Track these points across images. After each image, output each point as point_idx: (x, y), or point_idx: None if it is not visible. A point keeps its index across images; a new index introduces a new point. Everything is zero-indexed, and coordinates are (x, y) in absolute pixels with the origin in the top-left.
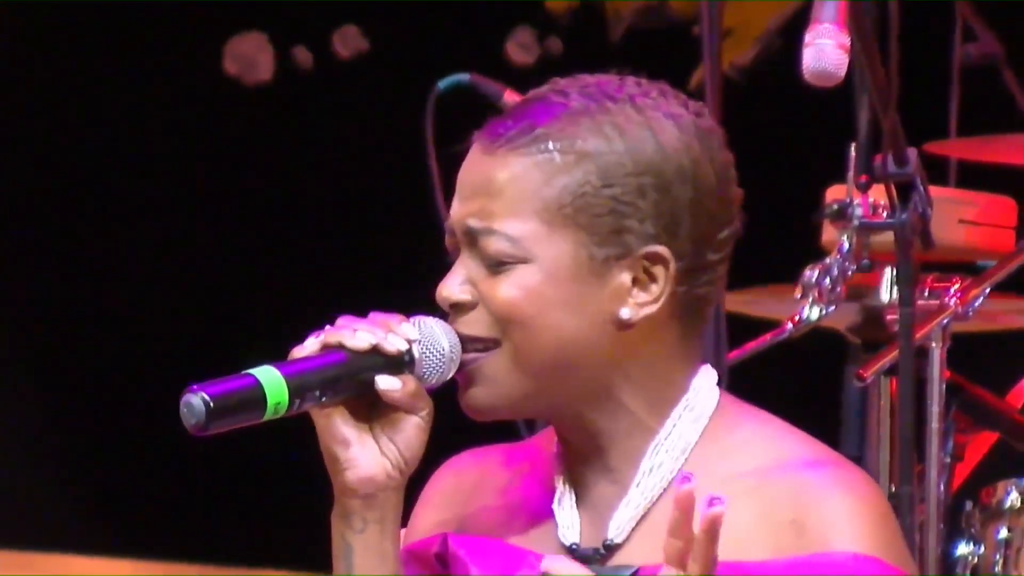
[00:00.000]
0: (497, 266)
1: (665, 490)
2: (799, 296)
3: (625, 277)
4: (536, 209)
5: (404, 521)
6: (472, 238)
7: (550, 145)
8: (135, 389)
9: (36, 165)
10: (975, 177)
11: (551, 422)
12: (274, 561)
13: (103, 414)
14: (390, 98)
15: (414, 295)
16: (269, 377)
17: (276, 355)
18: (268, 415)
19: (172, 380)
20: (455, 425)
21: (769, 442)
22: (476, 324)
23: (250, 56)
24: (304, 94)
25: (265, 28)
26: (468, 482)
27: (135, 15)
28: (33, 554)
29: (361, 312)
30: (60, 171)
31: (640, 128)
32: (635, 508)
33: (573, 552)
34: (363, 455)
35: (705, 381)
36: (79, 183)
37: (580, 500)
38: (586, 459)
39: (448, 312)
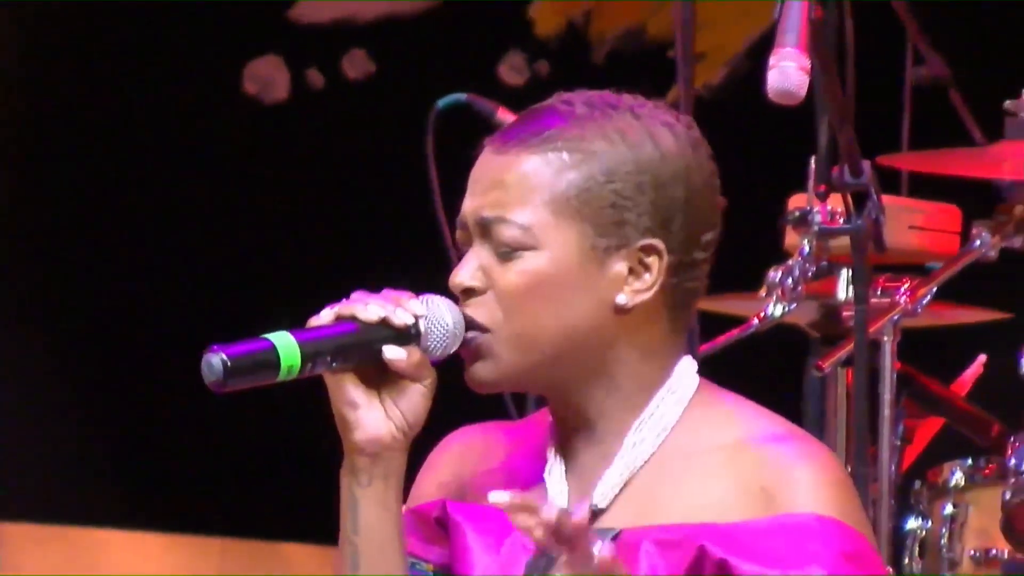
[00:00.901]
0: (508, 253)
1: (646, 462)
2: (764, 295)
3: (623, 266)
4: (545, 201)
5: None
6: (485, 228)
7: (559, 144)
8: (162, 370)
9: (89, 163)
10: (924, 187)
11: (546, 396)
12: (297, 535)
13: (130, 392)
14: (394, 115)
15: (415, 281)
16: (284, 342)
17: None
18: (282, 376)
19: (198, 360)
20: (456, 399)
21: (741, 420)
22: (485, 308)
23: (268, 77)
24: (316, 111)
25: (281, 52)
26: (469, 453)
27: (167, 40)
28: (64, 527)
29: (376, 290)
30: (105, 170)
31: (640, 133)
32: (619, 478)
33: None
34: (370, 417)
35: (687, 368)
36: (122, 181)
37: (569, 470)
38: (576, 432)
39: (460, 297)
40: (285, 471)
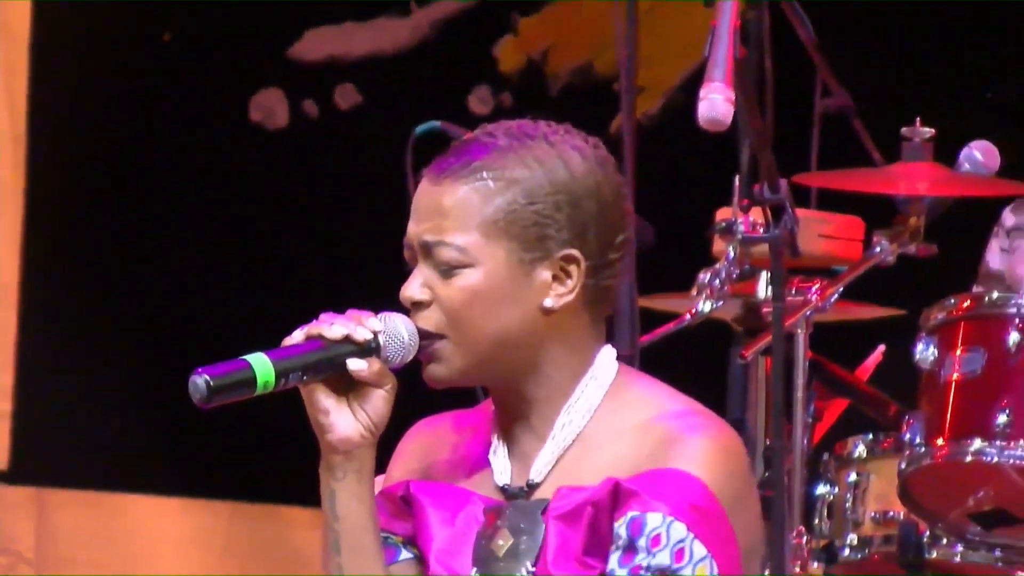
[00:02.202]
0: (448, 271)
1: (574, 442)
2: (695, 294)
3: (547, 274)
4: (476, 224)
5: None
6: (427, 249)
7: (484, 174)
8: (176, 360)
9: (124, 177)
10: (831, 201)
11: (489, 389)
12: (297, 499)
13: (150, 380)
14: (379, 140)
15: (396, 285)
16: (259, 361)
17: (277, 340)
18: (258, 391)
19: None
20: (417, 396)
21: (653, 400)
22: (432, 317)
23: (270, 107)
24: (312, 137)
25: (282, 85)
26: (428, 440)
27: (187, 74)
28: (96, 492)
29: (341, 310)
30: (137, 182)
31: (554, 159)
32: (551, 456)
33: (504, 491)
34: (341, 421)
35: (607, 356)
36: (151, 191)
37: (510, 451)
38: (515, 418)
39: (410, 309)
40: (286, 443)
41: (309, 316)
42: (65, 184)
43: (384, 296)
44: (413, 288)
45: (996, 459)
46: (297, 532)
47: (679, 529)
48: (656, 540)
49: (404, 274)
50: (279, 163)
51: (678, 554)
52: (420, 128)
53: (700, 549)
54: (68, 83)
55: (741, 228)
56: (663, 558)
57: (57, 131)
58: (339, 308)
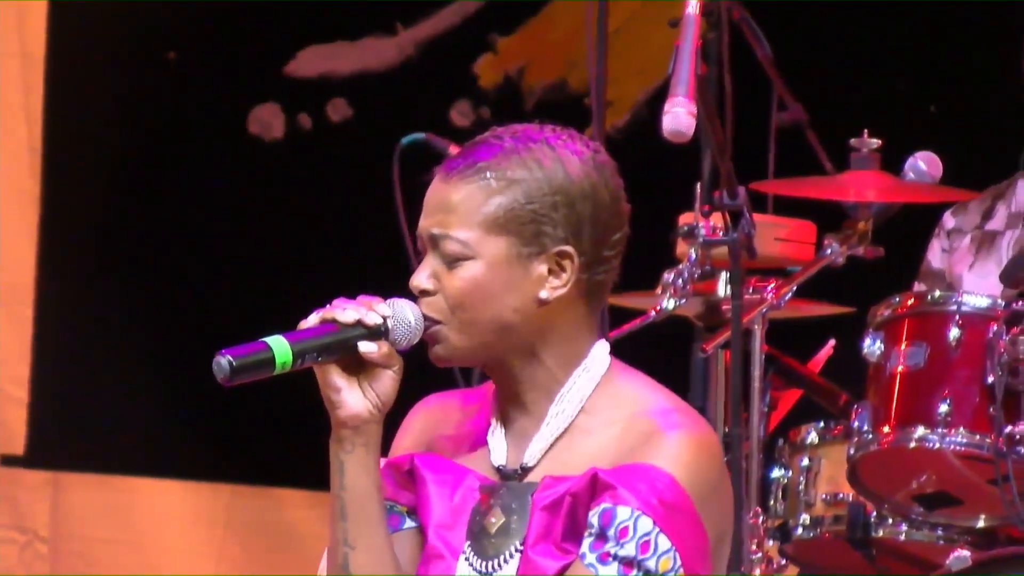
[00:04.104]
0: (453, 262)
1: (565, 430)
2: (660, 292)
3: (543, 268)
4: (479, 220)
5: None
6: (434, 242)
7: (488, 174)
8: (180, 353)
9: (135, 183)
10: (786, 207)
11: (489, 372)
12: (292, 482)
13: (155, 371)
14: (368, 150)
15: (383, 282)
16: (278, 344)
17: (294, 323)
18: (277, 371)
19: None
20: (420, 378)
21: (640, 395)
22: (437, 304)
23: (267, 120)
24: (306, 148)
25: (278, 100)
26: (434, 416)
27: (192, 90)
28: (107, 475)
29: (353, 296)
30: (147, 188)
31: (553, 161)
32: (544, 441)
33: (500, 471)
34: (351, 398)
35: (600, 350)
36: (160, 197)
37: (507, 432)
38: (512, 402)
39: (418, 296)
40: (283, 429)
41: (299, 313)
42: (78, 190)
43: (370, 292)
44: (421, 278)
45: (938, 445)
46: (293, 512)
47: (646, 523)
48: (624, 532)
49: (392, 269)
50: (276, 172)
51: (643, 546)
52: (406, 139)
53: (665, 542)
54: (80, 99)
55: (702, 232)
56: (630, 549)
57: (70, 142)
58: (327, 303)
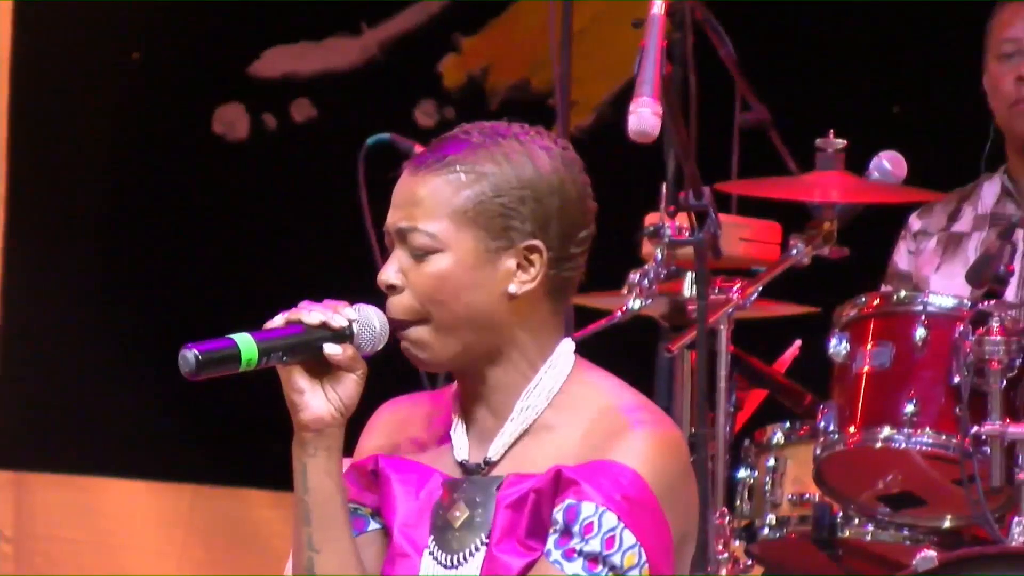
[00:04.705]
0: (421, 256)
1: (531, 426)
2: (626, 292)
3: (511, 263)
4: (447, 213)
5: (347, 449)
6: (402, 235)
7: (457, 168)
8: (145, 353)
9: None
10: (751, 207)
11: (455, 372)
12: (256, 482)
13: (119, 371)
14: (332, 150)
15: (347, 280)
16: (244, 341)
17: (260, 323)
18: (242, 368)
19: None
20: (384, 380)
21: (605, 393)
22: (404, 300)
23: (232, 120)
24: (270, 148)
25: (242, 100)
26: (398, 418)
27: (157, 90)
28: (71, 476)
29: (319, 299)
30: (117, 186)
31: (521, 156)
32: (508, 437)
33: (463, 466)
34: (314, 401)
35: (566, 348)
36: (131, 195)
37: (469, 429)
38: (477, 400)
39: (385, 292)
40: (246, 429)
41: (265, 313)
42: (44, 189)
43: (335, 291)
44: (389, 272)
45: (903, 445)
46: (256, 512)
47: (610, 519)
48: (589, 527)
49: (357, 270)
50: (240, 172)
51: (608, 541)
52: (371, 139)
53: (630, 537)
54: (46, 99)
55: (668, 232)
56: (595, 545)
57: (35, 142)
58: (292, 302)
